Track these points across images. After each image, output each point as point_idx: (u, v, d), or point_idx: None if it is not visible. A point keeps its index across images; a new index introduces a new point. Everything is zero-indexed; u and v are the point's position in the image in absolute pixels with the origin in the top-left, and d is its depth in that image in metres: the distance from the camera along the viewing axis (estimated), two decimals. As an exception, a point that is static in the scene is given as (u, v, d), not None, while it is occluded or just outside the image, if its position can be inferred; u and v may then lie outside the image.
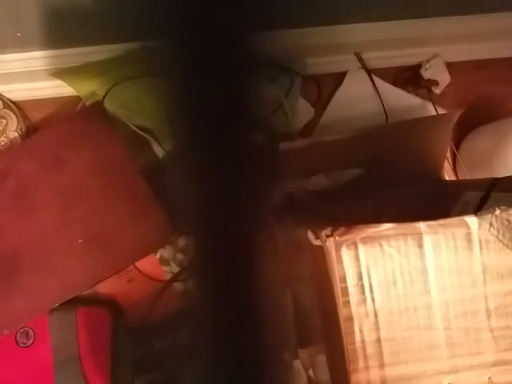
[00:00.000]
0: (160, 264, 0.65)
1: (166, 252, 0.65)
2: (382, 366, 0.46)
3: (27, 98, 0.69)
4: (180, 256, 0.65)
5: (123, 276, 0.64)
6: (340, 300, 0.45)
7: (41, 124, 0.70)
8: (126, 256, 0.61)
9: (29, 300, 0.58)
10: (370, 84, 0.68)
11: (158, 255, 0.65)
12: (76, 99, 0.68)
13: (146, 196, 0.60)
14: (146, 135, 0.66)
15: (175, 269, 0.65)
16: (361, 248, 0.46)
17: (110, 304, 0.63)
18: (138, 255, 0.62)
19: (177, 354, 0.59)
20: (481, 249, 0.49)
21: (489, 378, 0.48)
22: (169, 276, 0.65)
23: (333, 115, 0.66)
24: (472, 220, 0.48)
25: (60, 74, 0.66)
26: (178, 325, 0.60)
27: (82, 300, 0.62)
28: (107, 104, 0.65)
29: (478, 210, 0.52)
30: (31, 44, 0.62)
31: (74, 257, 0.59)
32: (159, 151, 0.65)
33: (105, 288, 0.64)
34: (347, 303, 0.46)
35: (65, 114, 0.68)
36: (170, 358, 0.60)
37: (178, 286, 0.64)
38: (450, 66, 0.71)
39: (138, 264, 0.64)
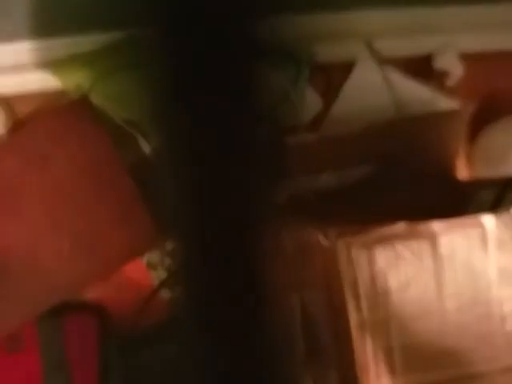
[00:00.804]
0: (147, 269, 0.65)
1: (153, 256, 0.65)
2: (393, 373, 0.47)
3: (14, 92, 0.69)
4: (168, 260, 0.64)
5: (110, 282, 0.64)
6: (351, 304, 0.45)
7: (28, 118, 0.69)
8: (112, 258, 0.61)
9: (16, 304, 0.58)
10: (381, 74, 0.67)
11: (144, 260, 0.65)
12: (63, 92, 0.67)
13: (131, 196, 0.60)
14: (132, 130, 0.65)
15: (163, 274, 0.65)
16: (373, 249, 0.46)
17: (97, 311, 0.64)
18: (124, 258, 0.62)
19: (166, 364, 0.59)
20: (496, 249, 0.49)
21: (504, 384, 0.48)
22: (156, 282, 0.65)
23: (342, 107, 0.66)
24: (488, 219, 0.49)
25: (47, 66, 0.66)
26: (166, 333, 0.60)
27: (69, 307, 0.62)
28: (94, 97, 0.65)
29: (493, 209, 0.52)
30: (18, 35, 0.62)
31: (60, 259, 0.60)
32: (146, 147, 0.65)
33: (92, 295, 0.64)
34: (358, 308, 0.45)
35: (51, 108, 0.68)
36: (159, 367, 0.60)
37: (166, 292, 0.64)
38: (463, 57, 0.71)
39: (124, 270, 0.64)
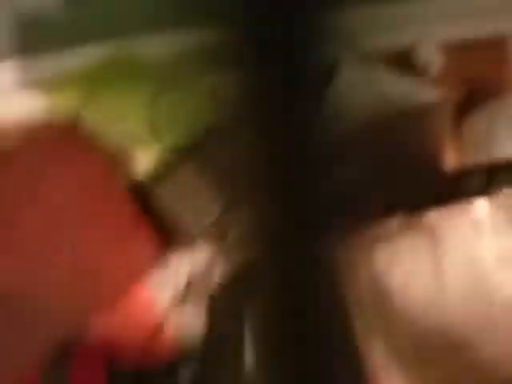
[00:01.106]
0: (152, 291, 0.64)
1: (158, 277, 0.64)
2: (399, 373, 0.47)
3: (3, 114, 0.68)
4: (174, 280, 0.63)
5: (115, 314, 0.62)
6: (354, 307, 0.45)
7: (18, 140, 0.68)
8: (116, 281, 0.59)
9: (18, 343, 0.56)
10: (365, 70, 0.68)
11: (149, 282, 0.63)
12: (55, 112, 0.67)
13: (131, 215, 0.59)
14: (127, 148, 0.65)
15: (169, 294, 0.63)
16: (372, 248, 0.46)
17: (104, 353, 0.61)
18: (128, 278, 0.61)
19: None
20: (491, 234, 0.49)
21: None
22: (162, 306, 0.63)
23: (330, 106, 0.66)
24: (480, 204, 0.49)
25: (36, 86, 0.65)
26: (178, 365, 0.59)
27: (73, 355, 0.59)
28: (88, 114, 0.64)
29: (483, 194, 0.52)
30: (4, 54, 0.61)
31: (60, 288, 0.58)
32: (142, 163, 0.65)
33: (96, 332, 0.60)
34: (362, 310, 0.46)
35: (43, 129, 0.67)
36: None
37: (176, 315, 0.62)
38: (443, 47, 0.71)
39: (129, 299, 0.62)
